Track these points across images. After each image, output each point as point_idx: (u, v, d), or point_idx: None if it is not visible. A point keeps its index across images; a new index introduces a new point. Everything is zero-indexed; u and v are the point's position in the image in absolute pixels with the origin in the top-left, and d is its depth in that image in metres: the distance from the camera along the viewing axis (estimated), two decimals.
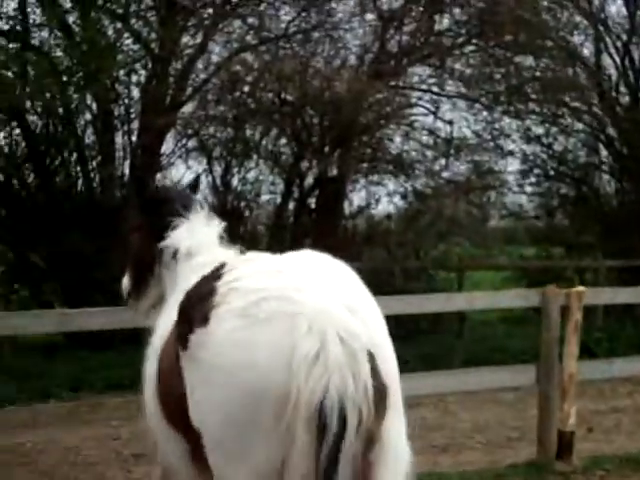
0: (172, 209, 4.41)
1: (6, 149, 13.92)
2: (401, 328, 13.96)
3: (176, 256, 4.24)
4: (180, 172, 16.37)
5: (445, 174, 16.33)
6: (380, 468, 2.94)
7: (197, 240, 4.26)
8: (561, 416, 7.26)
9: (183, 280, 4.03)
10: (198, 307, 3.21)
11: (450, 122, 15.97)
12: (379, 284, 12.91)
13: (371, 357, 2.91)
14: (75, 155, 14.33)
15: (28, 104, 13.31)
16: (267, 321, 2.99)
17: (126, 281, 4.60)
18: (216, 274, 3.35)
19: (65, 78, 12.49)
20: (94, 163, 14.40)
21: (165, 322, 3.70)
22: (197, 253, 4.20)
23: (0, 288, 14.04)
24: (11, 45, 12.93)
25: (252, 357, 2.95)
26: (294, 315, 2.94)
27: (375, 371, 2.91)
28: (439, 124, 16.19)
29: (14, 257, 14.44)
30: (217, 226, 4.31)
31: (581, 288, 7.49)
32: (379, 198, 16.25)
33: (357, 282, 3.33)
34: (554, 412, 7.32)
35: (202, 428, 3.11)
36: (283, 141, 15.38)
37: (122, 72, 13.88)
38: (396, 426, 3.03)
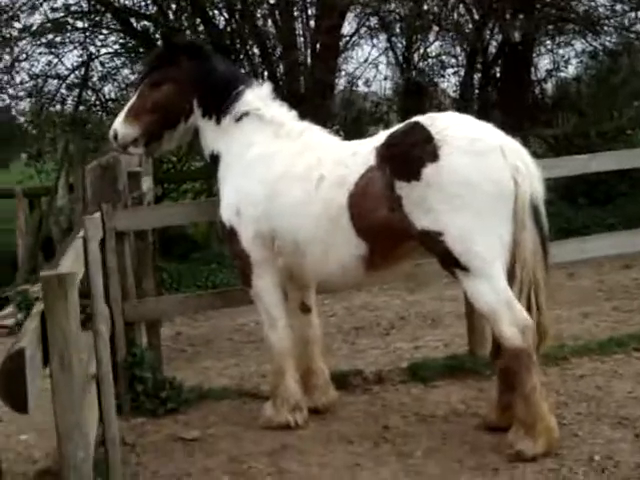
0: (224, 71, 5.48)
1: None
2: (600, 192, 13.57)
3: (244, 118, 5.32)
4: (364, 52, 16.35)
5: (637, 28, 15.40)
6: None
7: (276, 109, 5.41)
8: None
9: (268, 140, 5.24)
10: (421, 149, 4.58)
11: None
12: (574, 149, 12.55)
13: None
14: (257, 47, 14.48)
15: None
16: (485, 154, 4.55)
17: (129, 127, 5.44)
18: (417, 126, 4.72)
19: None
20: (277, 52, 14.53)
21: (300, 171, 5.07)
22: (280, 120, 5.34)
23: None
24: None
25: (489, 175, 4.52)
26: (500, 150, 4.58)
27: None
28: None
29: None
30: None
31: None
32: (568, 60, 15.56)
33: None
34: None
35: (449, 227, 4.54)
36: (462, 11, 14.89)
37: None
38: None
